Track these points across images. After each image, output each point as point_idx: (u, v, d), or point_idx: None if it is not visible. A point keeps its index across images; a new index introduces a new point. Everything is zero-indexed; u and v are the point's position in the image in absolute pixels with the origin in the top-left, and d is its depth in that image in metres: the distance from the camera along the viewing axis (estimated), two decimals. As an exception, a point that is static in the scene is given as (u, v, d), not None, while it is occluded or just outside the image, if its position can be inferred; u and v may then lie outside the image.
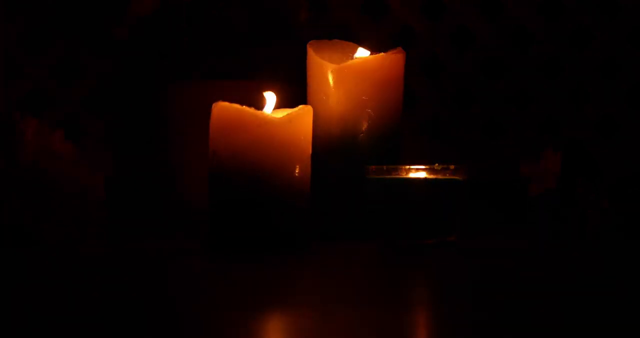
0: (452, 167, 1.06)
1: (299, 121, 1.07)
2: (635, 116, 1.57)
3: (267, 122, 1.06)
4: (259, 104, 1.10)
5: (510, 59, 1.57)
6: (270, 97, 1.10)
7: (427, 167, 1.06)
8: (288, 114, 1.07)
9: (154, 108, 1.42)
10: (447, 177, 1.05)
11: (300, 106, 1.08)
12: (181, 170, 1.37)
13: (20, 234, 1.16)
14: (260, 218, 1.05)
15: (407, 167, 1.06)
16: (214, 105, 1.07)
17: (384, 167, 1.07)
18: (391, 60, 1.19)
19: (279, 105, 1.11)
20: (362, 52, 1.21)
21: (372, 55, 1.20)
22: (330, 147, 1.19)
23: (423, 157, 1.10)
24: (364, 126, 1.19)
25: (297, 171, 1.06)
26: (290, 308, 0.75)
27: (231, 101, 1.07)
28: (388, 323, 0.69)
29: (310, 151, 1.08)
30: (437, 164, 1.06)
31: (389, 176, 1.06)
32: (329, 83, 1.19)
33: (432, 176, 1.05)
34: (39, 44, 1.50)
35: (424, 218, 1.05)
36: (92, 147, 1.49)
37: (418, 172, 1.05)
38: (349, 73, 1.18)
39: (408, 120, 1.53)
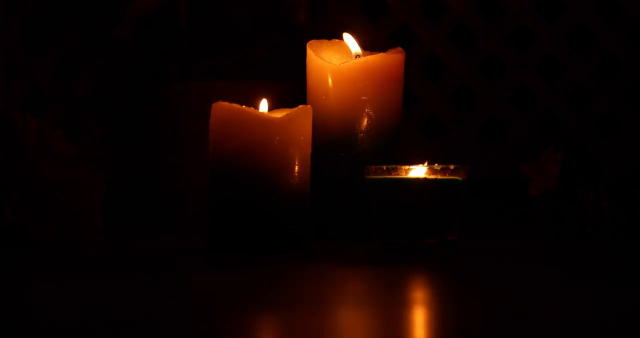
0: (452, 167, 1.06)
1: (299, 121, 1.07)
2: (635, 116, 1.57)
3: (267, 122, 1.06)
4: (259, 104, 1.10)
5: (510, 58, 1.56)
6: (263, 104, 1.10)
7: (427, 167, 1.06)
8: (288, 114, 1.07)
9: (154, 108, 1.42)
10: (447, 177, 1.05)
11: (300, 106, 1.08)
12: (180, 170, 1.37)
13: (20, 234, 1.16)
14: (260, 218, 1.05)
15: (407, 167, 1.06)
16: (214, 105, 1.07)
17: (384, 167, 1.06)
18: (391, 60, 1.19)
19: (278, 105, 1.11)
20: (347, 37, 1.21)
21: (372, 55, 1.20)
22: (330, 147, 1.19)
23: (423, 157, 1.10)
24: (364, 126, 1.19)
25: (297, 171, 1.06)
26: (290, 308, 0.75)
27: (231, 101, 1.07)
28: (388, 323, 0.69)
29: (310, 151, 1.08)
30: (437, 164, 1.06)
31: (389, 176, 1.06)
32: (328, 83, 1.19)
33: (432, 176, 1.05)
34: (39, 44, 1.50)
35: (424, 218, 1.05)
36: (92, 147, 1.49)
37: (418, 172, 1.05)
38: (349, 73, 1.18)
39: (408, 120, 1.53)
